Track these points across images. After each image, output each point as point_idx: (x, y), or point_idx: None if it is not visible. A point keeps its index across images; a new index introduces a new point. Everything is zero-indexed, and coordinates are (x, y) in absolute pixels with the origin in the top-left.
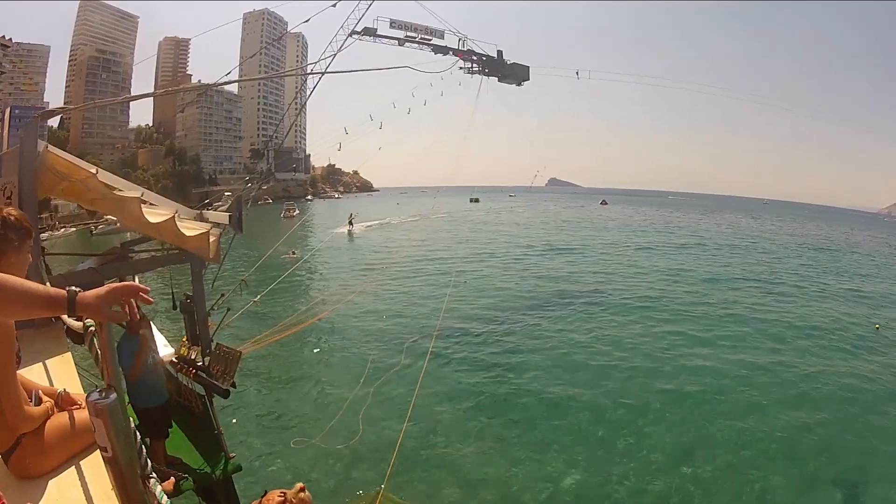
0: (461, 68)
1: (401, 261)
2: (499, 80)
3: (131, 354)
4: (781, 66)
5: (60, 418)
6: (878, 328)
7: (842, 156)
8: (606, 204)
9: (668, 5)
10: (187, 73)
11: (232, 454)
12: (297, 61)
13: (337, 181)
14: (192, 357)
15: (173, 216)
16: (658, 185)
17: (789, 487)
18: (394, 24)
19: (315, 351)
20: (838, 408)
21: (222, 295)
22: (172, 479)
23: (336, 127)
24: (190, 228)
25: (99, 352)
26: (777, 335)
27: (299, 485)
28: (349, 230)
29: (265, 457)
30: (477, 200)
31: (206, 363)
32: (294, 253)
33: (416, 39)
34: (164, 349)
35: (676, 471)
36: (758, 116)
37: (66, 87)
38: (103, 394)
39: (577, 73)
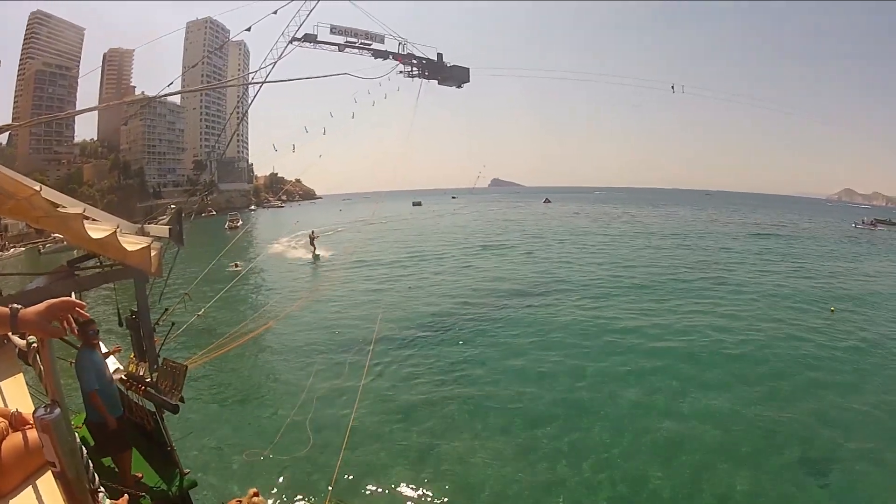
0: (401, 72)
1: (342, 268)
2: (439, 83)
3: (93, 365)
4: (727, 59)
5: (15, 439)
6: (833, 311)
7: (791, 146)
8: (550, 202)
9: (608, 5)
10: (131, 84)
11: (186, 470)
12: (239, 70)
13: (280, 190)
14: (141, 373)
15: (115, 231)
16: (602, 181)
17: (752, 480)
18: (334, 29)
19: (261, 362)
20: (798, 390)
21: (166, 310)
22: (126, 496)
23: (279, 135)
24: (131, 243)
25: (42, 367)
26: (734, 323)
27: (252, 490)
28: (314, 252)
29: (219, 471)
30: (420, 204)
31: (154, 379)
32: (237, 265)
33: (357, 45)
34: (113, 366)
35: (622, 467)
36: (704, 111)
37: (13, 102)
38: (48, 409)
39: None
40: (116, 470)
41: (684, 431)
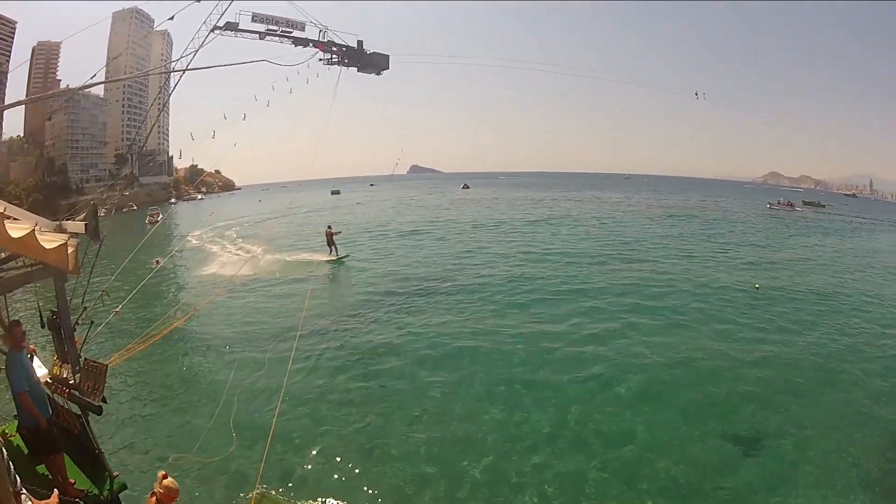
0: (321, 60)
1: (260, 259)
2: (358, 71)
3: (22, 367)
4: (658, 53)
5: None
6: (757, 288)
7: (719, 132)
8: (468, 188)
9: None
10: (57, 78)
11: (116, 473)
12: (162, 59)
13: (200, 182)
14: (65, 376)
15: (33, 230)
16: (524, 167)
17: (682, 458)
18: (255, 17)
19: (182, 358)
20: (725, 368)
21: (85, 308)
22: (56, 490)
23: (199, 126)
24: (49, 241)
25: None
26: (659, 304)
27: (160, 474)
28: (335, 253)
29: (147, 473)
30: (338, 192)
31: (77, 380)
32: (158, 262)
33: (277, 33)
34: (39, 370)
35: (557, 452)
36: (630, 99)
37: None
38: None
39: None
40: (51, 478)
41: (615, 415)
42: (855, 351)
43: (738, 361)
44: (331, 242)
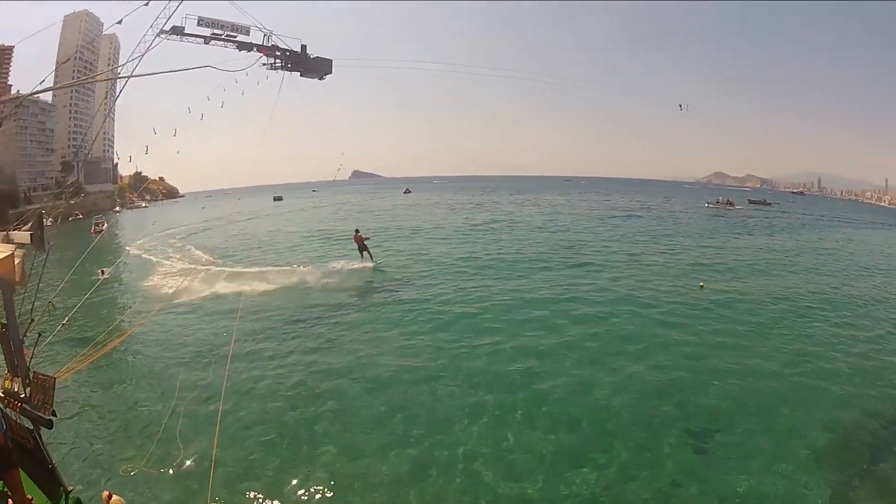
0: (264, 65)
1: (200, 268)
2: (301, 75)
3: None
4: (597, 54)
5: None
6: (702, 286)
7: (664, 134)
8: (410, 192)
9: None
10: (8, 83)
11: (70, 487)
12: (109, 64)
13: (144, 189)
14: (16, 389)
15: None
16: (467, 170)
17: (632, 460)
18: (202, 21)
19: (128, 370)
20: (676, 364)
21: (32, 320)
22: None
23: (144, 133)
24: None
25: None
26: (604, 305)
27: (105, 494)
28: (369, 258)
29: (100, 487)
30: (281, 199)
31: (28, 394)
32: (103, 272)
33: (222, 37)
34: None
35: (510, 444)
36: (571, 101)
37: None
38: None
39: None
40: (9, 494)
41: (564, 410)
42: (798, 339)
43: (686, 357)
44: (362, 248)
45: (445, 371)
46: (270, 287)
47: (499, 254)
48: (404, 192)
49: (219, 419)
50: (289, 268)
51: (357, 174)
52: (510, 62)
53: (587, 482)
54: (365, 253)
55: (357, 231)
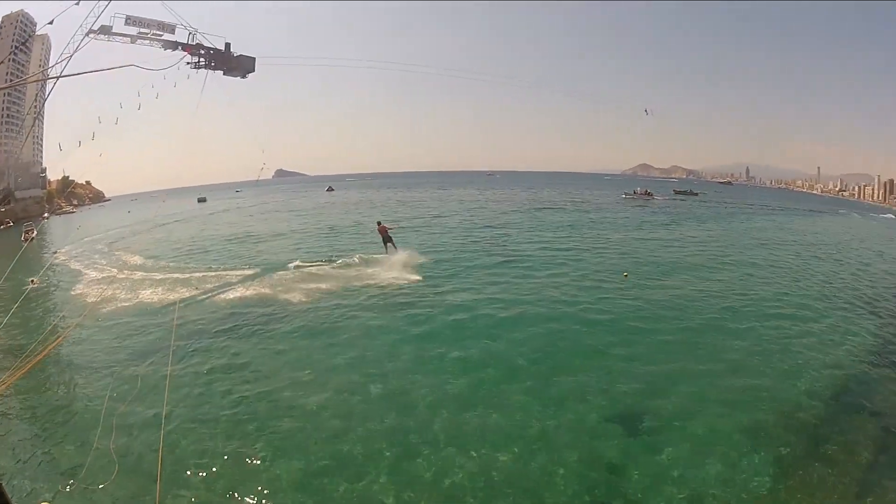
0: (188, 63)
1: (130, 274)
2: (224, 74)
3: None
4: (521, 50)
5: None
6: (626, 276)
7: (590, 127)
8: (333, 190)
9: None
10: None
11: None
12: (41, 65)
13: (71, 194)
14: None
15: None
16: (390, 167)
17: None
18: (129, 20)
19: (59, 383)
20: (598, 354)
21: None
22: None
23: (70, 135)
24: None
25: None
26: (534, 295)
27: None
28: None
29: (41, 500)
30: (205, 200)
31: None
32: (34, 281)
33: (148, 36)
34: None
35: (435, 446)
36: (495, 96)
37: None
38: None
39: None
40: None
41: (493, 411)
42: (718, 326)
43: (612, 347)
44: (386, 238)
45: (375, 374)
46: (198, 293)
47: (421, 247)
48: (327, 190)
49: (162, 430)
50: (216, 272)
51: (281, 173)
52: (442, 60)
53: (519, 480)
54: (389, 245)
55: (379, 223)
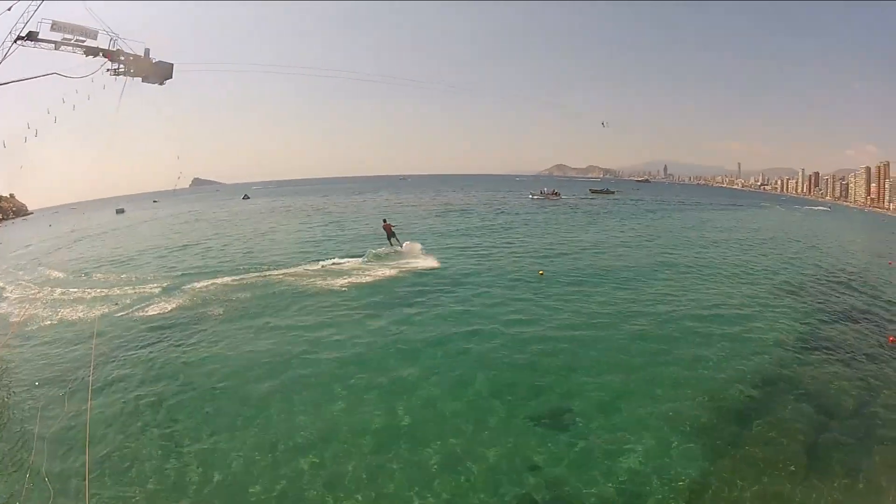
0: (108, 70)
1: (48, 292)
2: (143, 80)
3: None
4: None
5: None
6: (541, 274)
7: (505, 130)
8: (249, 198)
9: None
10: None
11: None
12: None
13: None
14: None
15: None
16: (307, 174)
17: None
18: (55, 26)
19: None
20: (519, 348)
21: None
22: None
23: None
24: None
25: None
26: (448, 296)
27: None
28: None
29: None
30: (123, 211)
31: None
32: None
33: (72, 42)
34: None
35: (361, 448)
36: (406, 99)
37: None
38: None
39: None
40: None
41: (417, 413)
42: (632, 320)
43: (530, 343)
44: (390, 234)
45: (289, 377)
46: (118, 307)
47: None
48: (243, 199)
49: (87, 455)
50: (136, 287)
51: (197, 182)
52: (353, 64)
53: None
54: (392, 239)
55: (385, 220)
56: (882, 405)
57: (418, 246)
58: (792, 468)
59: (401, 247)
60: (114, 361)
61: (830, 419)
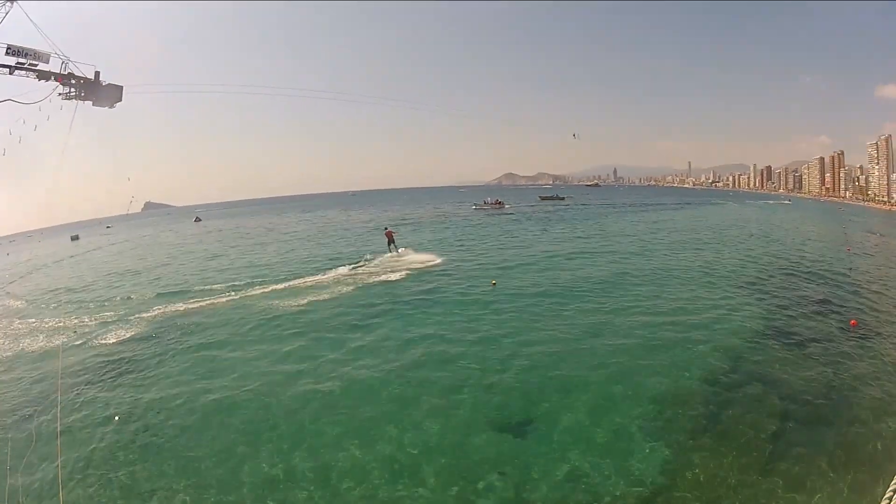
0: (60, 94)
1: (7, 324)
2: (93, 104)
3: None
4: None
5: None
6: (494, 284)
7: (454, 141)
8: (200, 220)
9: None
10: None
11: None
12: None
13: None
14: None
15: None
16: (264, 193)
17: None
18: (10, 49)
19: None
20: (476, 358)
21: None
22: None
23: None
24: None
25: None
26: (405, 306)
27: None
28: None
29: None
30: (77, 237)
31: None
32: None
33: (25, 66)
34: None
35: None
36: (350, 116)
37: None
38: None
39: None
40: None
41: (371, 419)
42: (589, 323)
43: (485, 350)
44: (390, 241)
45: (248, 399)
46: (78, 336)
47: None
48: (195, 221)
49: (60, 483)
50: (95, 314)
51: (150, 205)
52: (301, 81)
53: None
54: (391, 245)
55: (386, 228)
56: (847, 388)
57: (410, 251)
58: (758, 458)
59: (398, 252)
60: (78, 392)
61: (796, 406)
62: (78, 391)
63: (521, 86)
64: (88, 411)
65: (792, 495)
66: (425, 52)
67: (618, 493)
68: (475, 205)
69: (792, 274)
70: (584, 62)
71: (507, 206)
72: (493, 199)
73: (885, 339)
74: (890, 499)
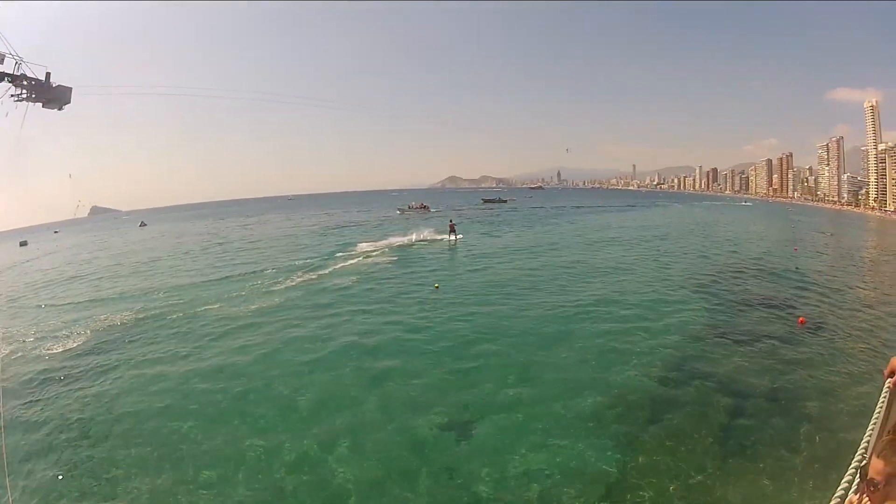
0: (12, 96)
1: None
2: (43, 106)
3: None
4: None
5: None
6: (437, 287)
7: (394, 146)
8: (146, 225)
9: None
10: None
11: None
12: None
13: None
14: None
15: None
16: (205, 197)
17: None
18: None
19: None
20: (424, 359)
21: None
22: None
23: None
24: None
25: None
26: (353, 307)
27: None
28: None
29: None
30: (26, 244)
31: None
32: None
33: None
34: None
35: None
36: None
37: None
38: None
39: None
40: None
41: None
42: (534, 324)
43: (430, 353)
44: (451, 230)
45: (193, 405)
46: (17, 345)
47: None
48: (140, 226)
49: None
50: (40, 325)
51: (96, 210)
52: (238, 83)
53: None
54: (452, 234)
55: (451, 221)
56: (794, 384)
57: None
58: (706, 454)
59: (458, 238)
60: (21, 406)
61: (744, 402)
62: (21, 398)
63: (459, 92)
64: (32, 418)
65: (743, 485)
66: (372, 60)
67: (572, 492)
68: (399, 209)
69: (741, 272)
70: (530, 67)
71: (432, 210)
72: (419, 203)
73: (832, 334)
74: (846, 489)
